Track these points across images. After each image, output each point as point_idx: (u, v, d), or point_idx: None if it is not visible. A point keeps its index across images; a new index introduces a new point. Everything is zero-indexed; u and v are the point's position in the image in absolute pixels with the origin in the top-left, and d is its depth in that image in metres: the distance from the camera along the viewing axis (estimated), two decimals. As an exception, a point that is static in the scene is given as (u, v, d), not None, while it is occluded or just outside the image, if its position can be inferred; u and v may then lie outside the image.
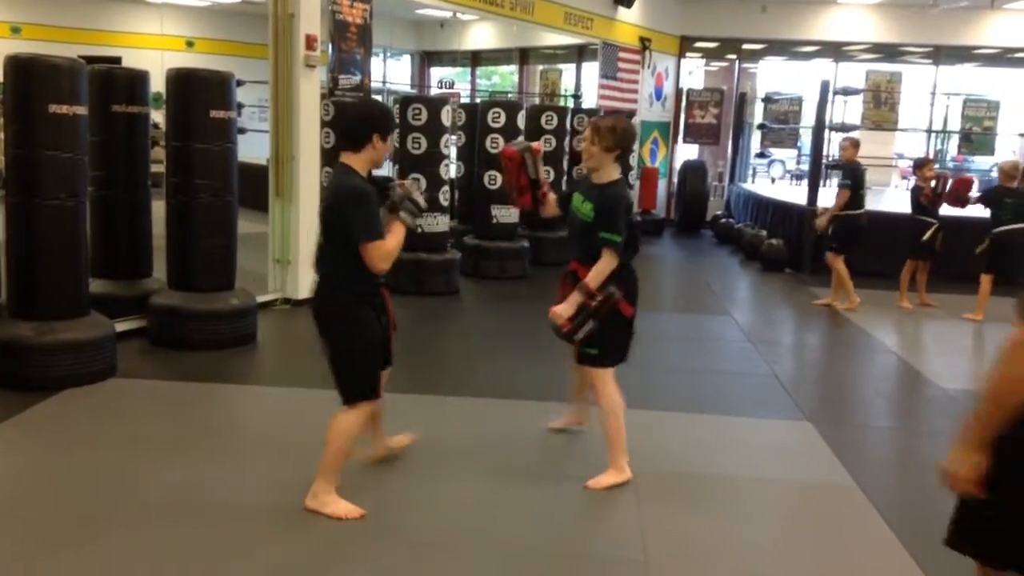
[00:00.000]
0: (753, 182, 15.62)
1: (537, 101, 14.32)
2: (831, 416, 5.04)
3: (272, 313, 6.73)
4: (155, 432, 4.21)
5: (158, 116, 7.83)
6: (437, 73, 18.72)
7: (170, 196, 5.73)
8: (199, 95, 5.60)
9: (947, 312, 8.07)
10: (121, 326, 5.45)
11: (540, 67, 16.16)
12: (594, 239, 3.55)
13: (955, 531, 2.08)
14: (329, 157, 7.32)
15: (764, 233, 11.03)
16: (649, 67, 13.58)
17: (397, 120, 7.27)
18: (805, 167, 14.56)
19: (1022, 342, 1.84)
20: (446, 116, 7.98)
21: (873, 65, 14.70)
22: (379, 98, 13.30)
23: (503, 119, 8.78)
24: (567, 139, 10.07)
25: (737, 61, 15.46)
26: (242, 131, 6.36)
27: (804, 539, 3.54)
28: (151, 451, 3.94)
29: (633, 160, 12.06)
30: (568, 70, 15.22)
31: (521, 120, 9.00)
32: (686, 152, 15.22)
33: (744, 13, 13.90)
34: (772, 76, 17.24)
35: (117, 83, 5.96)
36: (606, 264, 3.52)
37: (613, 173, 3.67)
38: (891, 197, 13.45)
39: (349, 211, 3.15)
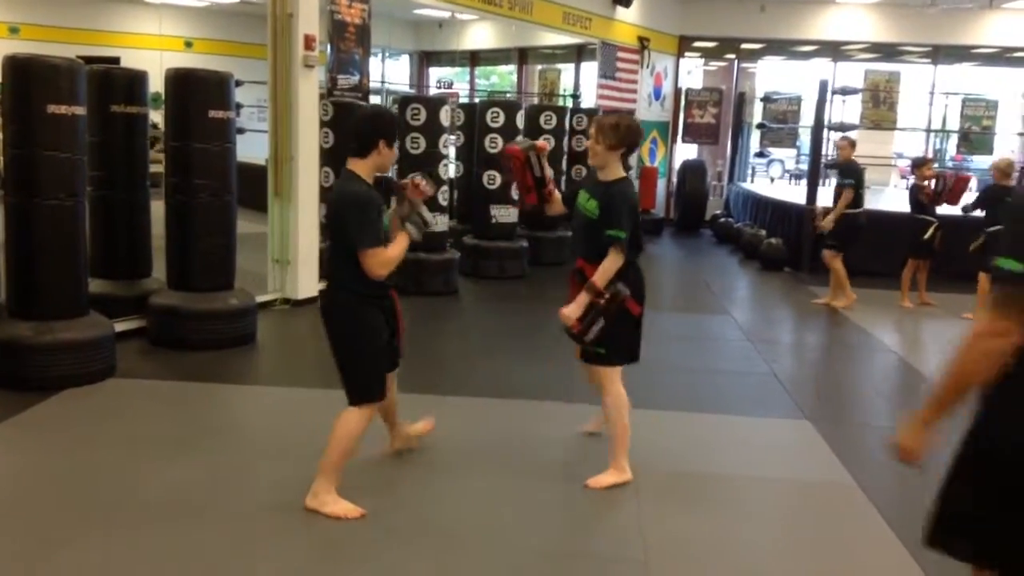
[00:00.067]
0: (752, 181, 15.64)
1: (536, 101, 14.32)
2: (830, 415, 5.04)
3: (271, 313, 6.73)
4: (155, 432, 4.20)
5: (157, 116, 7.82)
6: (436, 73, 18.71)
7: (169, 196, 5.74)
8: (198, 95, 5.60)
9: (947, 311, 8.07)
10: (120, 326, 5.45)
11: (539, 67, 16.16)
12: (600, 237, 3.56)
13: (940, 529, 2.07)
14: (328, 157, 7.33)
15: (763, 232, 11.04)
16: (648, 67, 13.58)
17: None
18: (804, 166, 14.57)
19: (981, 334, 1.87)
20: (445, 116, 7.98)
21: (872, 64, 14.72)
22: (378, 98, 13.30)
23: (502, 119, 8.78)
24: (566, 139, 10.08)
25: (736, 61, 15.46)
26: (241, 131, 6.35)
27: (803, 538, 3.55)
28: (151, 451, 3.94)
29: (632, 160, 12.06)
30: (567, 70, 15.22)
31: (520, 120, 9.00)
32: (685, 152, 15.23)
33: (743, 13, 13.90)
34: (771, 76, 17.26)
35: (116, 83, 5.97)
36: (612, 262, 3.52)
37: (618, 171, 3.68)
38: (890, 196, 13.47)
39: (348, 217, 3.22)
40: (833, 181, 9.07)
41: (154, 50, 13.62)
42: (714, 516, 3.59)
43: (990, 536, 1.94)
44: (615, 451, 3.75)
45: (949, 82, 15.26)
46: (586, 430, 4.32)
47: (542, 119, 9.79)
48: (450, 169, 8.91)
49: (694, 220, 14.04)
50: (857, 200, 7.93)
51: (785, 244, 10.40)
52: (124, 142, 5.95)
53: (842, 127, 12.58)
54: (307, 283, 7.03)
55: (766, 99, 14.88)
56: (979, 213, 7.82)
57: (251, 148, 9.08)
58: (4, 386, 4.57)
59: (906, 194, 8.90)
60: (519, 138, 8.39)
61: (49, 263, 4.73)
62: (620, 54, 12.78)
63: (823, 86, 10.33)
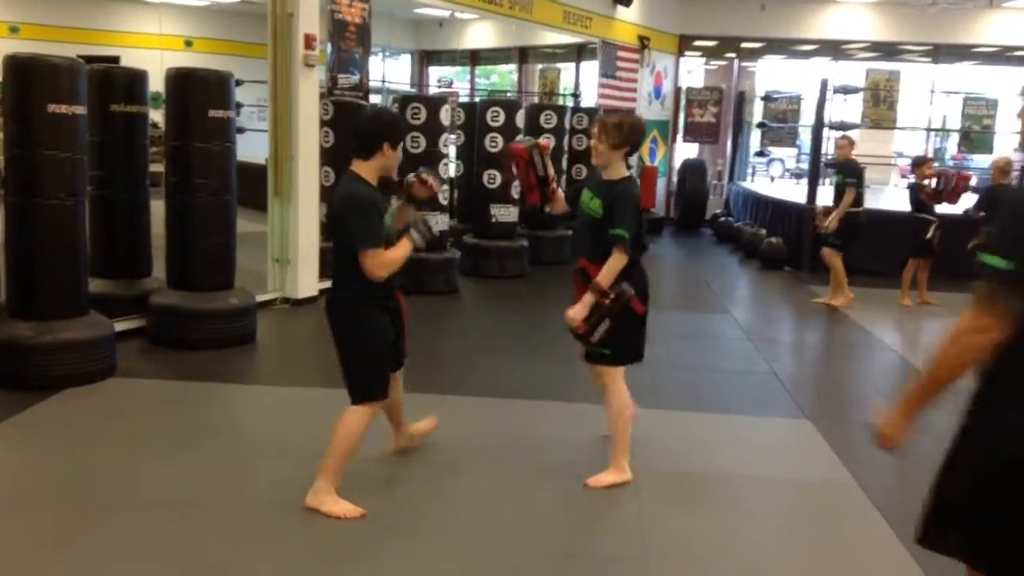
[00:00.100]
0: (752, 181, 15.63)
1: (536, 100, 14.31)
2: (831, 414, 5.04)
3: (271, 312, 6.73)
4: (155, 431, 4.21)
5: (157, 116, 7.82)
6: (436, 72, 18.70)
7: (169, 195, 5.74)
8: (198, 94, 5.60)
9: (948, 310, 8.06)
10: (120, 325, 5.45)
11: (539, 66, 16.14)
12: (603, 236, 3.55)
13: (934, 528, 2.07)
14: (328, 156, 7.33)
15: (763, 231, 11.03)
16: (648, 66, 13.57)
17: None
18: (804, 166, 14.56)
19: (964, 329, 1.88)
20: (445, 115, 7.98)
21: (872, 63, 14.69)
22: (378, 97, 13.29)
23: (502, 118, 8.78)
24: (566, 138, 10.07)
25: (736, 60, 15.45)
26: (241, 130, 6.35)
27: (804, 537, 3.55)
28: (151, 450, 3.94)
29: (632, 159, 12.05)
30: (567, 69, 15.20)
31: (520, 119, 9.00)
32: (685, 151, 15.21)
33: (743, 12, 13.89)
34: (771, 75, 17.22)
35: (116, 82, 5.97)
36: (616, 261, 3.51)
37: (622, 170, 3.67)
38: (890, 195, 13.46)
39: (348, 219, 3.23)
40: (833, 180, 9.06)
41: (154, 49, 13.60)
42: (714, 515, 3.59)
43: (987, 534, 1.93)
44: (615, 451, 3.75)
45: (949, 81, 15.24)
46: (605, 435, 4.28)
47: (542, 118, 9.78)
48: (450, 168, 8.91)
49: (694, 219, 14.03)
50: (857, 199, 7.93)
51: (785, 243, 10.40)
52: (124, 141, 5.95)
53: (842, 126, 12.56)
54: (307, 282, 7.04)
55: (766, 98, 14.86)
56: (981, 215, 7.83)
57: (251, 147, 9.08)
58: (4, 386, 4.57)
59: (906, 193, 8.90)
60: (521, 137, 8.39)
61: (49, 263, 4.74)
62: (620, 53, 12.77)
63: (823, 85, 10.32)
